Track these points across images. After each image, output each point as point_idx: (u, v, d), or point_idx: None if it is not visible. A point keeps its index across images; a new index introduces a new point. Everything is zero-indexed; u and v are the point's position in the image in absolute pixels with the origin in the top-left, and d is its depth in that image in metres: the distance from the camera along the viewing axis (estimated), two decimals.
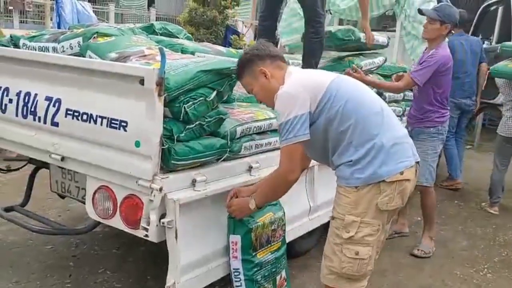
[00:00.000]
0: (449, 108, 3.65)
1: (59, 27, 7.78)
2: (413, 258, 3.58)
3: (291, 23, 5.45)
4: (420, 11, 3.59)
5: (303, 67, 3.46)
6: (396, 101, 4.27)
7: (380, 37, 3.99)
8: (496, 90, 5.26)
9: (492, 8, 6.22)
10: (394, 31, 5.11)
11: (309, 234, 3.16)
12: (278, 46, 6.04)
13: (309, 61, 3.55)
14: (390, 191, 1.98)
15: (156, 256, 3.19)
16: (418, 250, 3.63)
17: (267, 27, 3.77)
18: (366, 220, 1.99)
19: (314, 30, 3.54)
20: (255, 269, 2.38)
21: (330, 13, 5.42)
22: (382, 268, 3.29)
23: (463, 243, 3.96)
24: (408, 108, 4.37)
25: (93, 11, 10.90)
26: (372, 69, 3.90)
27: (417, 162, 2.10)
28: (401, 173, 1.99)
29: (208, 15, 11.03)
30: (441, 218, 4.43)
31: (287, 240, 2.68)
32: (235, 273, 2.38)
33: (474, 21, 6.18)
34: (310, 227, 3.12)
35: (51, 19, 11.66)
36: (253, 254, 2.37)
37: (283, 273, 2.59)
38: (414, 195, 3.40)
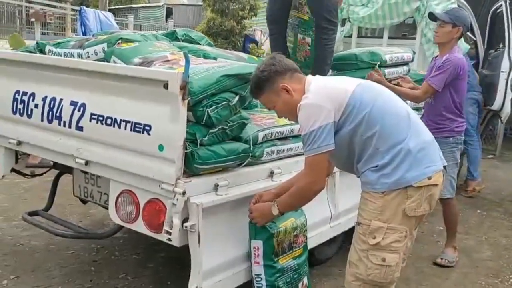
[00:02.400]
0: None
1: (84, 36, 7.93)
2: (437, 267, 3.52)
3: None
4: (431, 15, 3.55)
5: (313, 74, 3.40)
6: (417, 109, 4.22)
7: (405, 54, 3.90)
8: (493, 96, 5.28)
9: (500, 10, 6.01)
10: (414, 38, 5.07)
11: (330, 241, 3.13)
12: None
13: (320, 68, 3.48)
14: (417, 197, 1.95)
15: (176, 262, 3.19)
16: (441, 259, 3.56)
17: (277, 31, 3.73)
18: (393, 226, 1.96)
19: (325, 37, 3.48)
20: (277, 275, 2.35)
21: (349, 21, 5.41)
22: (406, 277, 3.24)
23: (487, 252, 3.87)
24: None
25: None
26: (396, 78, 3.85)
27: (445, 167, 2.07)
28: (429, 178, 1.95)
29: (226, 26, 11.13)
30: (464, 228, 4.35)
31: (308, 247, 2.65)
32: (257, 279, 2.36)
33: (487, 29, 6.06)
34: (331, 235, 3.08)
35: (71, 30, 11.89)
36: (275, 259, 2.35)
37: (305, 280, 2.56)
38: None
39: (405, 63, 3.85)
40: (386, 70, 3.64)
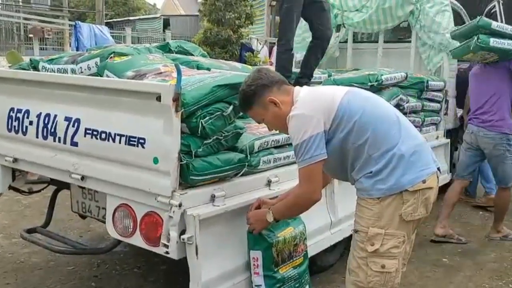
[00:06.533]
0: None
1: (77, 51, 7.96)
2: (440, 271, 3.49)
3: (305, 38, 5.44)
4: None
5: None
6: (415, 112, 4.22)
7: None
8: None
9: (494, 11, 6.00)
10: (410, 41, 5.06)
11: (331, 248, 3.11)
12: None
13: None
14: (413, 201, 1.94)
15: (177, 275, 3.16)
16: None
17: None
18: (391, 232, 1.94)
19: (280, 50, 3.74)
20: (278, 285, 2.33)
21: (344, 27, 5.41)
22: (409, 281, 3.21)
23: (491, 255, 3.84)
24: (428, 119, 4.36)
25: (111, 35, 11.13)
26: (394, 84, 3.86)
27: (438, 169, 2.05)
28: (424, 181, 1.94)
29: (222, 35, 11.17)
30: (467, 230, 4.33)
31: (309, 255, 2.63)
32: None
33: None
34: (332, 242, 3.06)
35: (70, 45, 11.94)
36: (275, 269, 2.33)
37: None
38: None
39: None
40: (383, 77, 3.72)
